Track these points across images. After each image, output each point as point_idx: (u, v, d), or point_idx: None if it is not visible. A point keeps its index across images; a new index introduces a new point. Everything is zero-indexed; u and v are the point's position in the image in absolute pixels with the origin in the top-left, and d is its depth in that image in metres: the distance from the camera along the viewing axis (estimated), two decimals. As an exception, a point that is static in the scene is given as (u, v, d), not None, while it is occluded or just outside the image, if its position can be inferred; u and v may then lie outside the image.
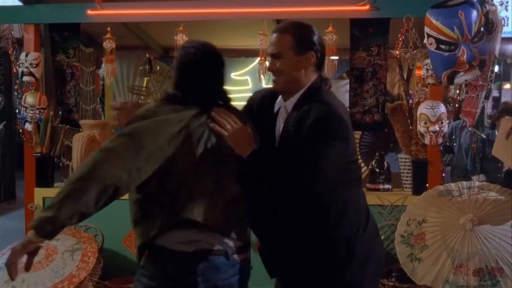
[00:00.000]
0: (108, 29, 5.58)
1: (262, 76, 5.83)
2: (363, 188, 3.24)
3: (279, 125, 2.71)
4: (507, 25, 11.68)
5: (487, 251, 4.30)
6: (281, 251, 2.67)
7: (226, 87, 2.70)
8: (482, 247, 4.33)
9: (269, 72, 6.50)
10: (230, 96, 2.73)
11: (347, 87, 5.78)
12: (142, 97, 7.57)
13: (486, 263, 4.33)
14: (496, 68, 7.17)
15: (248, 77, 7.76)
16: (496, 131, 6.47)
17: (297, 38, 2.66)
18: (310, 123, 2.51)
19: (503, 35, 4.81)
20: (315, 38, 2.71)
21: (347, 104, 5.79)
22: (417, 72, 5.51)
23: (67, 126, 5.72)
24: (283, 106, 2.72)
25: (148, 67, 7.51)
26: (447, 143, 6.42)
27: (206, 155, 2.46)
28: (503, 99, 13.79)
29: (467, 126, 5.36)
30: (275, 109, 2.78)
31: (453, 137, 6.76)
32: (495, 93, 14.33)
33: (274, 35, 2.72)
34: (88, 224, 5.40)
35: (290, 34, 2.67)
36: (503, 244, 4.39)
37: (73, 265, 4.70)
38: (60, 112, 5.80)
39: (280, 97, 2.77)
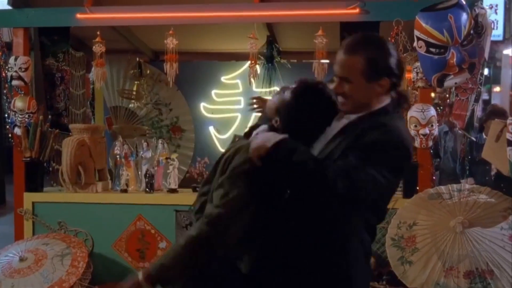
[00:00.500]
0: (98, 32, 5.55)
1: (252, 80, 5.78)
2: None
3: (330, 131, 2.44)
4: (497, 28, 11.75)
5: (477, 254, 4.30)
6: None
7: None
8: (473, 249, 4.34)
9: (259, 75, 6.80)
10: None
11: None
12: (133, 101, 7.57)
13: (476, 265, 4.32)
14: (486, 71, 7.20)
15: (238, 81, 7.66)
16: (484, 134, 6.49)
17: (370, 61, 2.35)
18: (368, 142, 2.27)
19: (492, 38, 4.84)
20: (392, 60, 2.38)
21: None
22: (407, 75, 5.50)
23: (57, 130, 5.69)
24: (342, 116, 2.45)
25: (138, 70, 7.51)
26: (438, 146, 6.44)
27: None
28: (493, 102, 13.84)
29: (457, 128, 5.37)
30: None
31: (439, 141, 6.78)
32: (485, 96, 14.38)
33: (342, 54, 2.39)
34: (78, 228, 5.38)
35: (361, 56, 2.34)
36: (494, 246, 4.39)
37: (63, 270, 4.68)
38: (49, 116, 5.79)
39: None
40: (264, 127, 2.48)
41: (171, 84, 5.68)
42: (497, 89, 15.46)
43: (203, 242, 2.35)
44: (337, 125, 2.43)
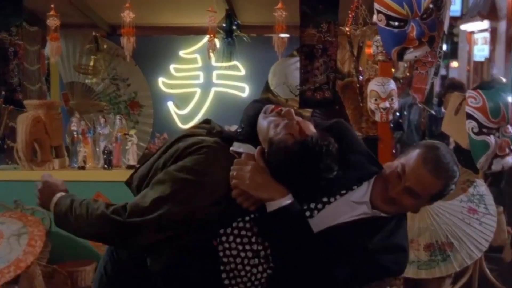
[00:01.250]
0: (52, 6, 5.38)
1: (211, 54, 5.69)
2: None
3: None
4: (455, 4, 11.78)
5: (437, 227, 4.33)
6: None
7: None
8: (433, 222, 4.36)
9: (218, 50, 6.72)
10: None
11: (298, 64, 5.74)
12: (89, 76, 7.41)
13: (436, 238, 4.36)
14: (444, 47, 7.23)
15: (197, 55, 7.59)
16: (443, 108, 6.50)
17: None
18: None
19: (450, 14, 4.80)
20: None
21: (296, 81, 5.80)
22: (367, 49, 5.47)
23: (11, 107, 5.52)
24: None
25: (94, 45, 7.33)
26: (399, 120, 6.43)
27: None
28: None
29: (417, 102, 5.36)
30: None
31: (403, 114, 6.77)
32: (442, 72, 14.47)
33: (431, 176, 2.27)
34: (35, 207, 5.25)
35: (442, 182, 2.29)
36: (453, 219, 4.42)
37: (20, 250, 4.55)
38: (3, 92, 5.60)
39: None
40: (249, 149, 2.25)
41: (129, 59, 5.54)
42: (454, 64, 15.56)
43: (115, 229, 2.17)
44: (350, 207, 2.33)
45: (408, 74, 5.19)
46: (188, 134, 2.38)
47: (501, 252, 5.05)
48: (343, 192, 2.31)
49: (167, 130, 7.39)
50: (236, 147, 2.26)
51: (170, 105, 7.74)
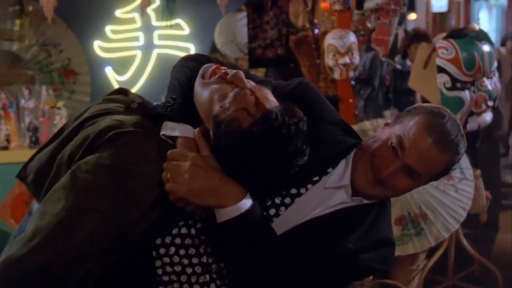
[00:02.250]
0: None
1: (150, 13, 5.22)
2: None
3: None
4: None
5: (409, 197, 3.98)
6: None
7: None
8: (404, 192, 3.94)
9: (159, 7, 6.24)
10: None
11: (245, 20, 5.42)
12: (15, 42, 6.76)
13: (408, 209, 4.04)
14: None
15: (135, 14, 7.06)
16: (407, 61, 6.07)
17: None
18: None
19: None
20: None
21: (245, 39, 5.49)
22: (322, 4, 5.09)
23: None
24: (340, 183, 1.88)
25: (19, 7, 6.68)
26: (369, 76, 6.07)
27: None
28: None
29: (379, 56, 4.95)
30: None
31: (371, 68, 6.36)
32: (399, 24, 14.13)
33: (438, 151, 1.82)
34: None
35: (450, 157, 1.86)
36: (426, 186, 3.96)
37: None
38: None
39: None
40: (187, 130, 1.70)
41: (50, 20, 5.05)
42: (412, 16, 15.21)
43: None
44: (318, 200, 1.84)
45: (369, 24, 4.81)
46: (99, 112, 1.73)
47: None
48: (316, 178, 1.85)
49: None
50: (168, 129, 1.68)
51: (109, 70, 7.23)
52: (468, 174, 4.19)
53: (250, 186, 1.67)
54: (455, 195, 4.07)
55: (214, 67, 1.72)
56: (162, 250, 1.67)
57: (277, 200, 1.79)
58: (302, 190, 1.82)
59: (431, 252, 4.33)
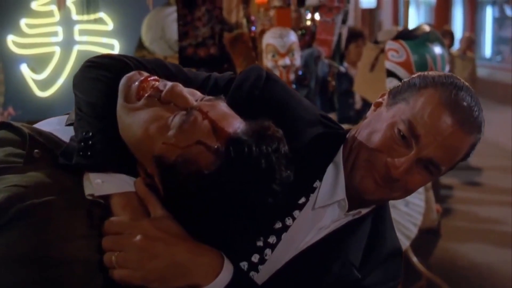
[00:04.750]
0: None
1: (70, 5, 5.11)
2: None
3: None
4: None
5: None
6: None
7: None
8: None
9: (80, 1, 5.85)
10: None
11: (175, 15, 5.07)
12: None
13: None
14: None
15: (54, 7, 6.81)
16: (345, 63, 5.80)
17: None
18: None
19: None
20: None
21: (175, 35, 5.18)
22: None
23: None
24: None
25: None
26: (305, 76, 5.79)
27: None
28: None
29: (321, 57, 4.68)
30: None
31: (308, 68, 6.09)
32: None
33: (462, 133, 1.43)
34: None
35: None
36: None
37: None
38: None
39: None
40: (122, 183, 1.24)
41: None
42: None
43: None
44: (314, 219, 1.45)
45: (311, 23, 4.57)
46: None
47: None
48: (302, 201, 1.44)
49: (22, 99, 6.70)
50: (95, 185, 1.20)
51: (24, 68, 7.01)
52: (419, 186, 3.93)
53: (225, 241, 1.27)
54: (405, 209, 3.85)
55: (140, 80, 1.23)
56: None
57: (260, 243, 1.40)
58: (288, 221, 1.42)
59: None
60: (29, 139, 1.22)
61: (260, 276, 1.40)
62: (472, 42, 9.79)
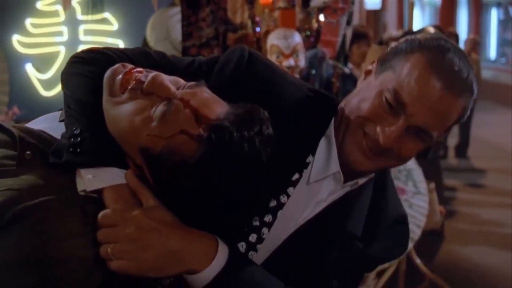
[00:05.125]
0: None
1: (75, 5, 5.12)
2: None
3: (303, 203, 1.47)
4: None
5: None
6: None
7: None
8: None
9: (86, 0, 5.86)
10: None
11: (180, 16, 4.99)
12: None
13: None
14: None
15: (59, 7, 6.74)
16: (350, 64, 5.77)
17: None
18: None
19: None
20: None
21: (179, 37, 5.14)
22: None
23: None
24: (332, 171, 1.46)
25: None
26: (309, 77, 5.78)
27: None
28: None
29: (326, 58, 4.66)
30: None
31: (312, 70, 6.08)
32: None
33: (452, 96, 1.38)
34: None
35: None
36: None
37: None
38: None
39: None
40: (114, 176, 1.25)
41: None
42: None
43: None
44: (311, 192, 1.45)
45: (316, 24, 4.54)
46: None
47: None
48: (296, 177, 1.44)
49: (27, 99, 6.62)
50: (87, 181, 1.22)
51: (29, 68, 6.94)
52: (422, 188, 3.98)
53: (219, 225, 1.28)
54: (409, 211, 3.75)
55: (123, 72, 1.24)
56: None
57: (256, 223, 1.41)
58: (283, 199, 1.42)
59: (381, 270, 4.08)
60: (19, 142, 1.23)
61: (260, 255, 1.42)
62: (476, 44, 9.77)
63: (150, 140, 1.17)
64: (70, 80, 1.35)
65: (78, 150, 1.21)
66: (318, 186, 1.44)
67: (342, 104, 1.46)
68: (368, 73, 1.47)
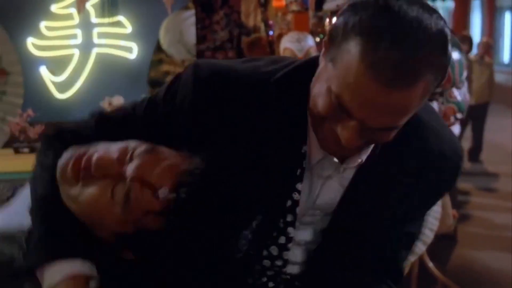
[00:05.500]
0: None
1: (89, 8, 5.28)
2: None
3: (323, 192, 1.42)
4: None
5: None
6: None
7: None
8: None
9: (100, 4, 5.91)
10: None
11: (193, 19, 5.24)
12: None
13: None
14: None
15: (73, 10, 6.78)
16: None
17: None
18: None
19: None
20: None
21: (193, 39, 5.22)
22: (276, 2, 4.93)
23: None
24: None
25: None
26: None
27: None
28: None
29: None
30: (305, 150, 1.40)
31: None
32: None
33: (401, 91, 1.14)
34: None
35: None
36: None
37: None
38: None
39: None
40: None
41: None
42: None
43: None
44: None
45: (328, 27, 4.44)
46: None
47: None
48: (299, 172, 1.40)
49: (41, 101, 6.64)
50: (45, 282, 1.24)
51: (44, 70, 6.95)
52: (435, 192, 3.92)
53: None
54: None
55: (72, 163, 1.25)
56: None
57: (281, 225, 1.45)
58: (296, 196, 1.40)
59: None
60: None
61: (294, 253, 1.49)
62: (490, 47, 9.72)
63: (120, 226, 1.22)
64: (33, 174, 1.37)
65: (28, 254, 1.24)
66: (322, 165, 1.38)
67: (311, 85, 1.29)
68: (325, 46, 1.24)
